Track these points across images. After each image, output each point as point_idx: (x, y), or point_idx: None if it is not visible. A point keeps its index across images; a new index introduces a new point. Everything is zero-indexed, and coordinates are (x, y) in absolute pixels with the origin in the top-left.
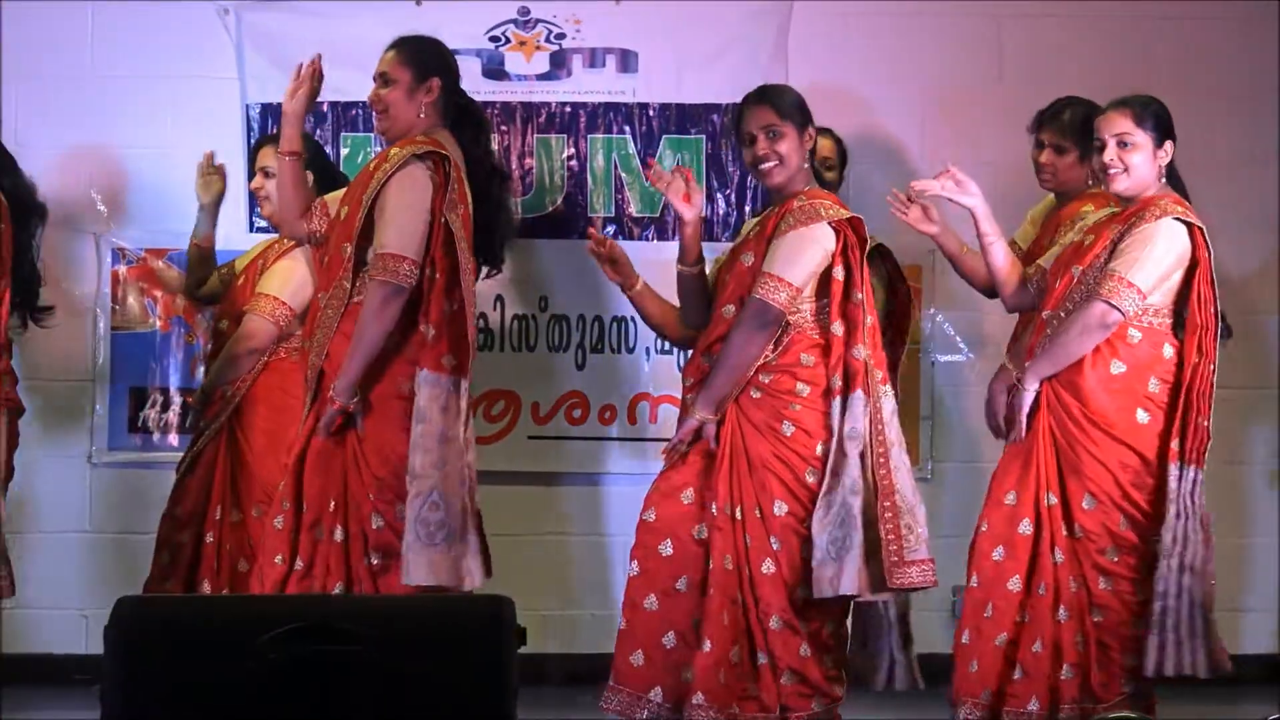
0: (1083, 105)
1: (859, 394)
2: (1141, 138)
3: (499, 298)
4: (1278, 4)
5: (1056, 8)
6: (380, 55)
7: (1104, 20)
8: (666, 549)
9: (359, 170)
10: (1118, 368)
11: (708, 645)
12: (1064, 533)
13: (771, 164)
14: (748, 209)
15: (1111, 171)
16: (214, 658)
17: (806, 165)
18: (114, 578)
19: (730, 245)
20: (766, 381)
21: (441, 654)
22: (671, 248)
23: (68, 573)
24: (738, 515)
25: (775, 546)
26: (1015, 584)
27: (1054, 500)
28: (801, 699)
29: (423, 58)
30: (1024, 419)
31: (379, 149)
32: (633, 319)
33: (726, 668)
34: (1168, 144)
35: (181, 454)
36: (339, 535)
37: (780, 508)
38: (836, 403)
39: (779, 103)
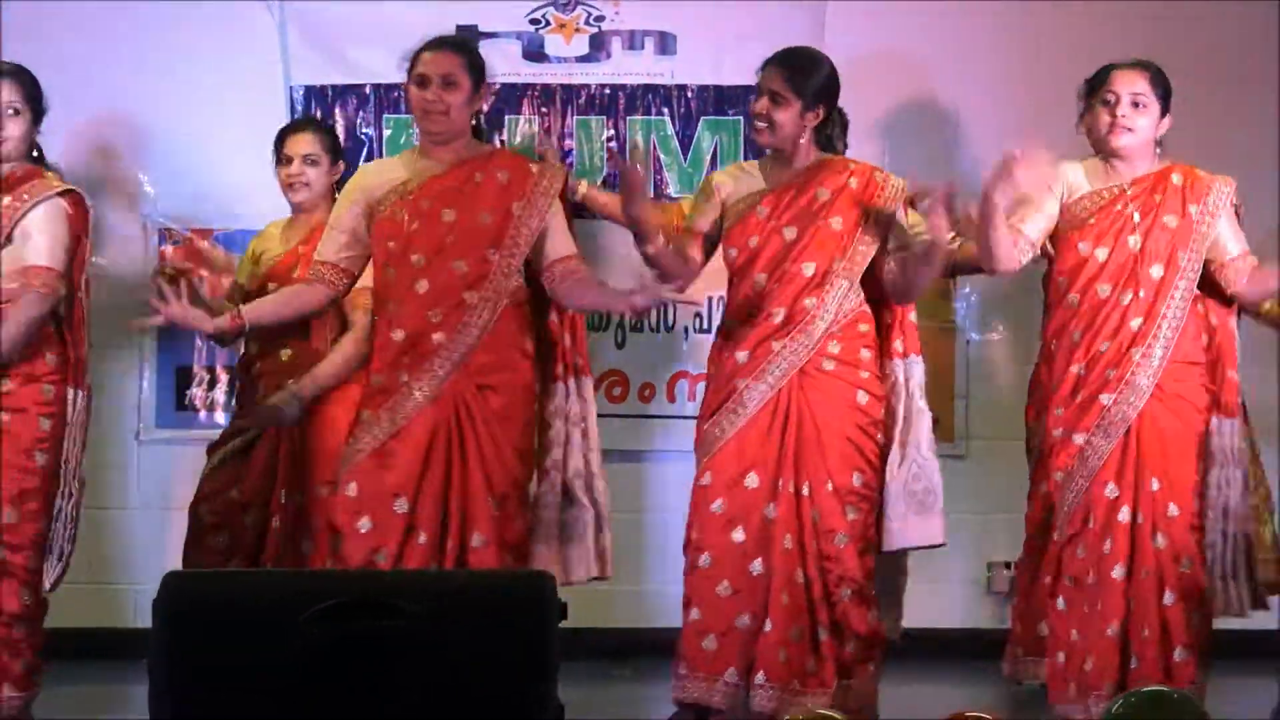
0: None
1: (917, 356)
2: (1152, 102)
3: None
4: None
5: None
6: (428, 49)
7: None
8: (739, 536)
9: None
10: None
11: (769, 626)
12: (1165, 515)
13: (762, 125)
14: None
15: (1120, 128)
16: (260, 632)
17: (804, 139)
18: (160, 553)
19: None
20: (837, 351)
21: (484, 628)
22: None
23: (115, 548)
24: (804, 491)
25: (851, 516)
26: (1118, 571)
27: (1157, 485)
28: (863, 662)
29: (480, 67)
30: None
31: (406, 135)
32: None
33: (788, 647)
34: (1168, 117)
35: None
36: None
37: (858, 478)
38: (900, 364)
39: (792, 73)
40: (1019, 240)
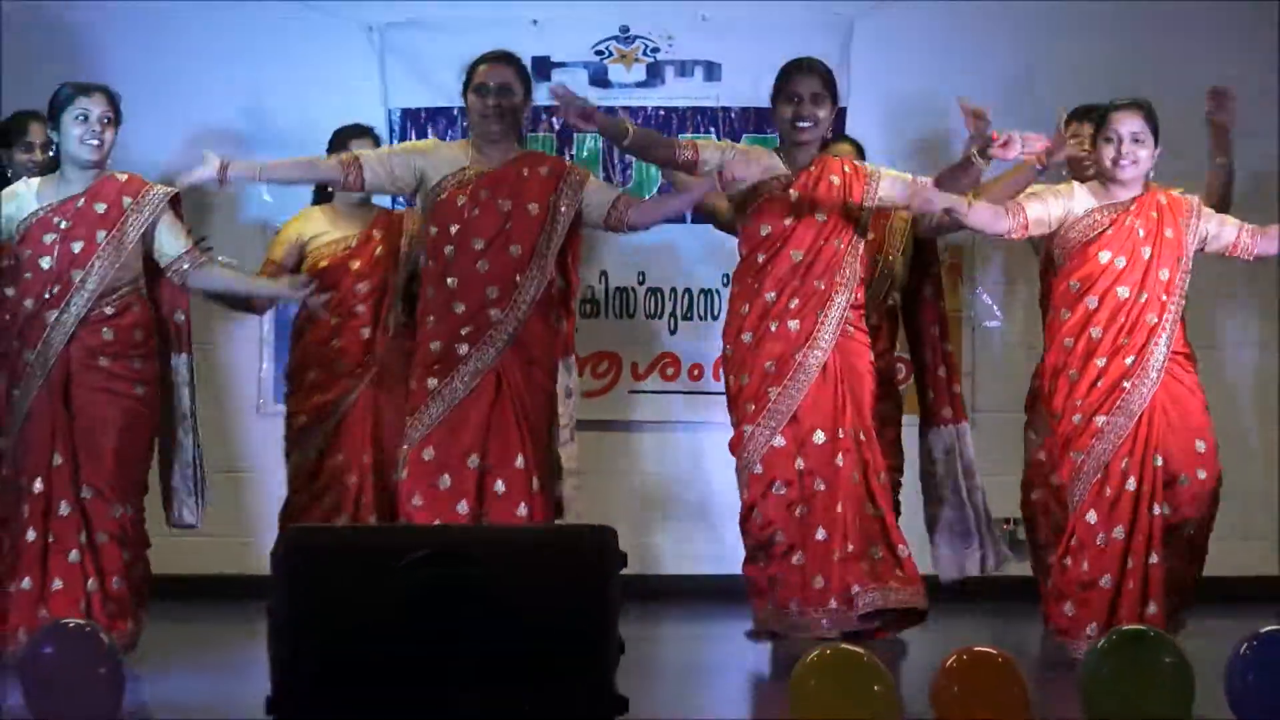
0: None
1: (965, 424)
2: (1148, 136)
3: (603, 273)
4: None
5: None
6: (485, 62)
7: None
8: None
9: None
10: None
11: (851, 546)
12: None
13: (809, 124)
14: None
15: (1124, 163)
16: (361, 578)
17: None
18: (277, 509)
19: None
20: (855, 318)
21: (553, 575)
22: None
23: (239, 504)
24: (861, 437)
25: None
26: (1119, 533)
27: (1160, 461)
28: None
29: (528, 78)
30: None
31: None
32: (718, 291)
33: (870, 562)
34: (1159, 147)
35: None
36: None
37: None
38: (949, 430)
39: (828, 77)
40: (1018, 213)
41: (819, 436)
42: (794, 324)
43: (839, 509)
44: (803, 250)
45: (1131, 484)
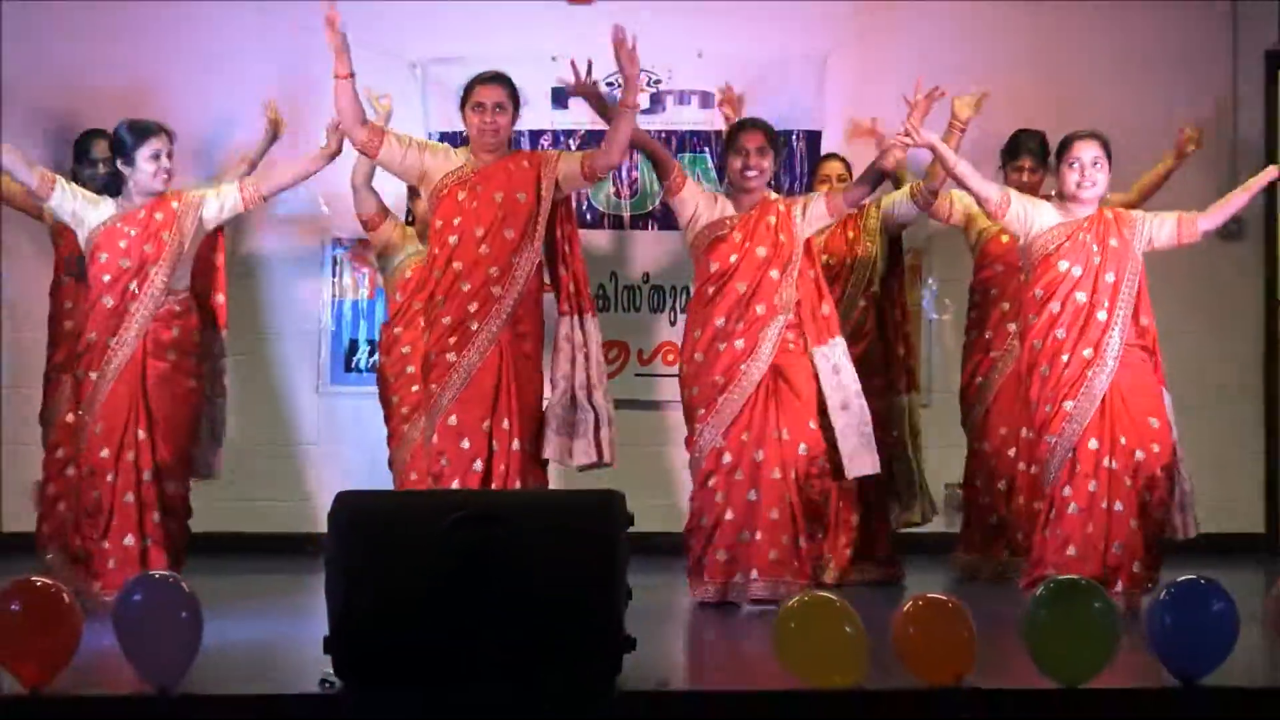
0: None
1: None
2: (1104, 161)
3: (613, 273)
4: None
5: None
6: (481, 82)
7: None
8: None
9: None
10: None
11: (759, 535)
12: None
13: (755, 174)
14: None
15: (1086, 184)
16: (405, 535)
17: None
18: (333, 475)
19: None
20: (794, 335)
21: (570, 533)
22: None
23: (300, 472)
24: (785, 436)
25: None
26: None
27: (1125, 440)
28: None
29: (517, 95)
30: None
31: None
32: None
33: (778, 549)
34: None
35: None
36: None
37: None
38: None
39: (770, 132)
40: (1008, 197)
41: (745, 436)
42: (739, 343)
43: (751, 496)
44: (745, 282)
45: (1104, 461)
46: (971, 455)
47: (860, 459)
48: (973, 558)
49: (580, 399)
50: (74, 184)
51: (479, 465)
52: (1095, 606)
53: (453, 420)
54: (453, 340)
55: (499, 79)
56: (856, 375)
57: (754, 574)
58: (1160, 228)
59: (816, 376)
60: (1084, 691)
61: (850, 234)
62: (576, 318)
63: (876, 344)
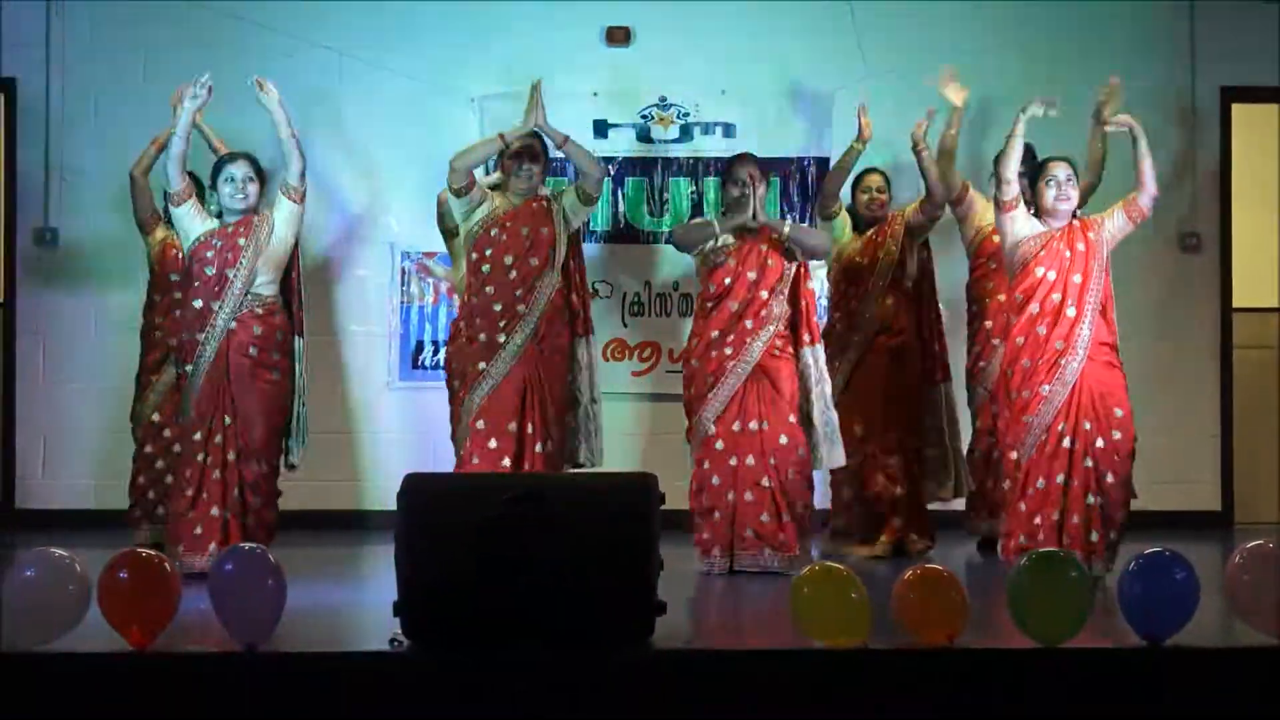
0: None
1: (819, 344)
2: (1074, 179)
3: (647, 282)
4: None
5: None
6: (520, 139)
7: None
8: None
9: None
10: None
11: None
12: (1094, 445)
13: (747, 195)
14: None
15: (1061, 199)
16: (464, 512)
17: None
18: (401, 460)
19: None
20: (782, 344)
21: (608, 510)
22: None
23: (372, 458)
24: (764, 427)
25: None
26: (1060, 479)
27: (1089, 425)
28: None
29: (546, 146)
30: None
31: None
32: None
33: (756, 526)
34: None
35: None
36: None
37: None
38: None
39: (758, 165)
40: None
41: (736, 426)
42: (728, 350)
43: (737, 478)
44: (738, 301)
45: (1067, 442)
46: (975, 433)
47: (835, 454)
48: (986, 523)
49: (590, 410)
50: (199, 201)
51: (506, 462)
52: (1072, 575)
53: (480, 425)
54: (483, 352)
55: (532, 134)
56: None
57: (743, 546)
58: (1114, 220)
59: (799, 377)
60: (1062, 650)
61: (878, 239)
62: (584, 339)
63: (913, 339)
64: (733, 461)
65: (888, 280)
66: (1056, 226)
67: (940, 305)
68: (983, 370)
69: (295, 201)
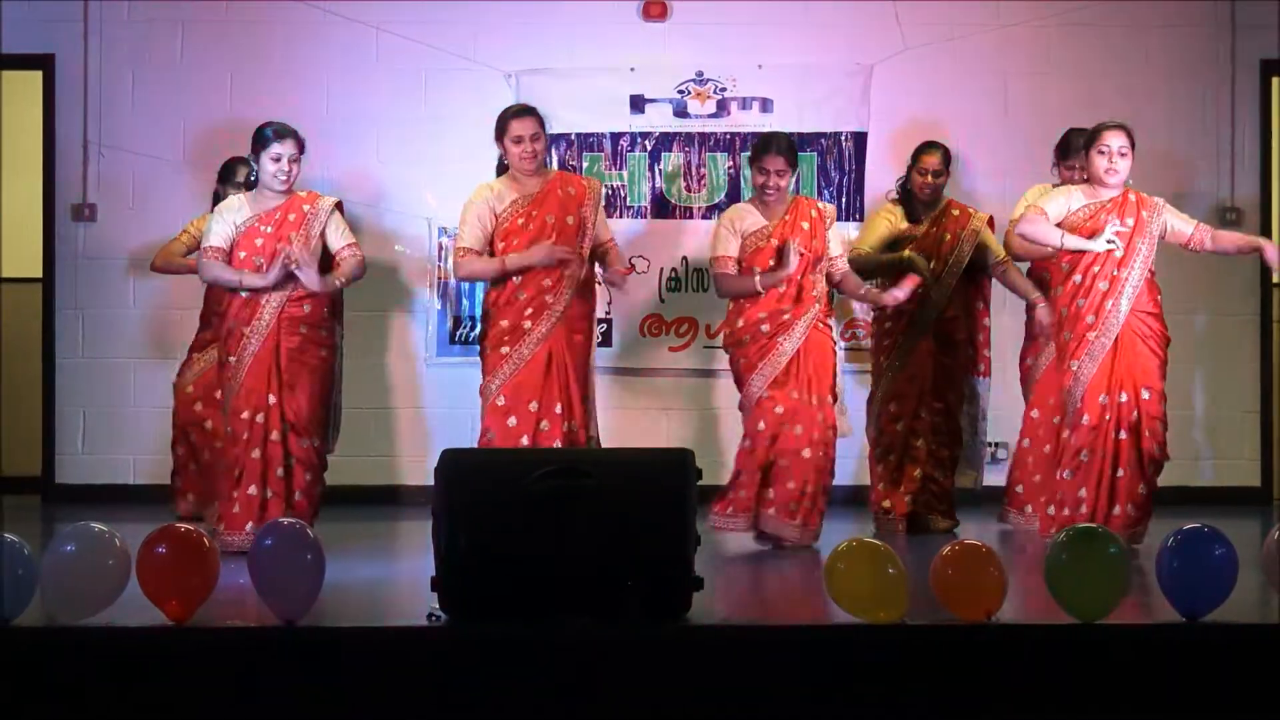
0: None
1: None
2: (1129, 150)
3: (684, 258)
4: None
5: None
6: (515, 117)
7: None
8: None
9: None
10: None
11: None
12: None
13: (773, 192)
14: (841, 200)
15: (1112, 169)
16: (501, 486)
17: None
18: (441, 435)
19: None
20: (823, 315)
21: (646, 485)
22: None
23: (411, 433)
24: (814, 401)
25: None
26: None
27: (1124, 398)
28: None
29: (544, 122)
30: None
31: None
32: None
33: (793, 498)
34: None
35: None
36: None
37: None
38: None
39: (789, 155)
40: (1039, 213)
41: (795, 394)
42: (773, 328)
43: (778, 449)
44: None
45: (1107, 415)
46: (1024, 421)
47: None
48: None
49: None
50: (207, 219)
51: (525, 440)
52: (1110, 551)
53: (500, 401)
54: (507, 337)
55: (529, 111)
56: None
57: (770, 512)
58: (1177, 224)
59: (834, 353)
60: (1100, 626)
61: (943, 233)
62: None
63: (963, 328)
64: (778, 430)
65: (956, 278)
66: (1107, 197)
67: (990, 302)
68: (1031, 366)
69: (354, 249)
